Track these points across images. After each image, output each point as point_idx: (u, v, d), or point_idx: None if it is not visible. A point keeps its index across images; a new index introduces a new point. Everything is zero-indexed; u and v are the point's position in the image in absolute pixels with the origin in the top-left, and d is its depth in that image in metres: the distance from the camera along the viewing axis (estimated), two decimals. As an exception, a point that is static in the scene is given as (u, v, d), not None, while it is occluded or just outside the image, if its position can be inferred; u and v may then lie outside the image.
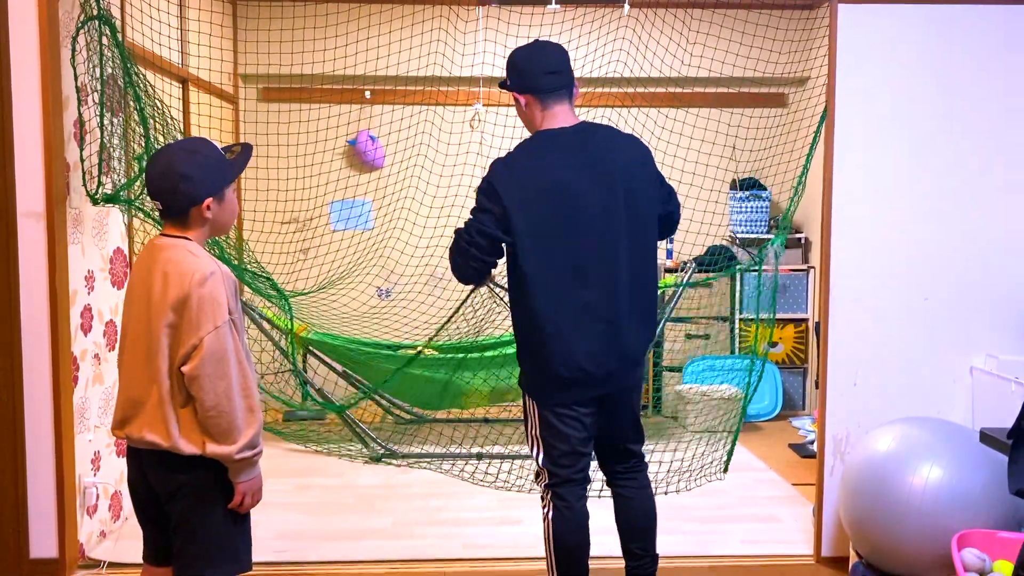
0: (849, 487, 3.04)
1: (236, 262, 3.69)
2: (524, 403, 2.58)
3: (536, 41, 2.59)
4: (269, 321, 4.68)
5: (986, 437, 2.21)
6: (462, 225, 2.50)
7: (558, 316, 2.42)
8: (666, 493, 3.96)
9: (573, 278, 2.42)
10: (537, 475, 2.61)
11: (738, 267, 5.15)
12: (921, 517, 2.81)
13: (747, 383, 4.17)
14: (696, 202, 5.20)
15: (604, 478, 2.82)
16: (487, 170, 2.49)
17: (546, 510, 2.57)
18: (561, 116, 2.51)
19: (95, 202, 3.21)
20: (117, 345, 2.41)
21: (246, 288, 4.21)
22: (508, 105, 5.61)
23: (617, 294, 2.45)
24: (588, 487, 2.65)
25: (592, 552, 3.40)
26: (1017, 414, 1.99)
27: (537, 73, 2.50)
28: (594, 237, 2.43)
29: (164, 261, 2.06)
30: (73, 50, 3.15)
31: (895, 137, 3.21)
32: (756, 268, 4.32)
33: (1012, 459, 2.02)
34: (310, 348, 4.70)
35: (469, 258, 2.45)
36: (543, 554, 3.35)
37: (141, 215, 3.26)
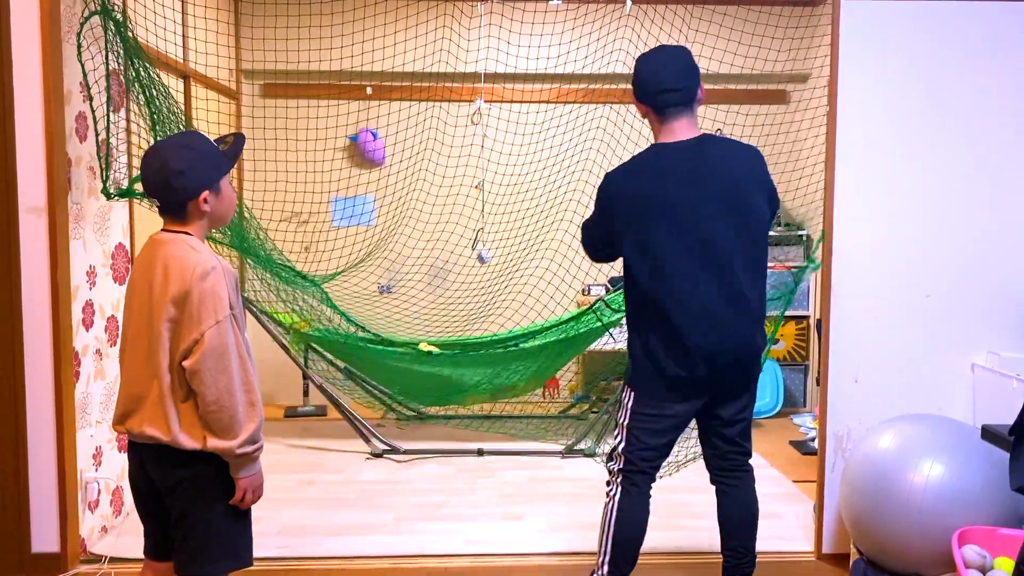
0: (850, 484, 3.04)
1: (265, 254, 3.68)
2: (621, 392, 2.72)
3: (662, 51, 2.62)
4: (271, 317, 4.68)
5: (987, 434, 2.21)
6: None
7: (664, 317, 2.51)
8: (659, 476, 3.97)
9: (678, 283, 2.50)
10: (610, 457, 2.73)
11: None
12: (922, 514, 2.81)
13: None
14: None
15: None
16: (605, 180, 2.63)
17: (612, 491, 2.69)
18: (679, 131, 2.57)
19: (109, 197, 3.21)
20: (119, 341, 2.42)
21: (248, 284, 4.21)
22: (510, 101, 5.61)
23: (720, 300, 2.52)
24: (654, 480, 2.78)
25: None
26: (1019, 411, 1.98)
27: (656, 91, 2.55)
28: (697, 246, 2.50)
29: (165, 256, 2.06)
30: (79, 46, 3.15)
31: (897, 134, 3.21)
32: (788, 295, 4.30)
33: (1014, 456, 2.02)
34: (311, 345, 4.70)
35: (587, 248, 2.77)
36: (544, 550, 3.37)
37: (148, 204, 3.26)
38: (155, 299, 2.04)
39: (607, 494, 2.73)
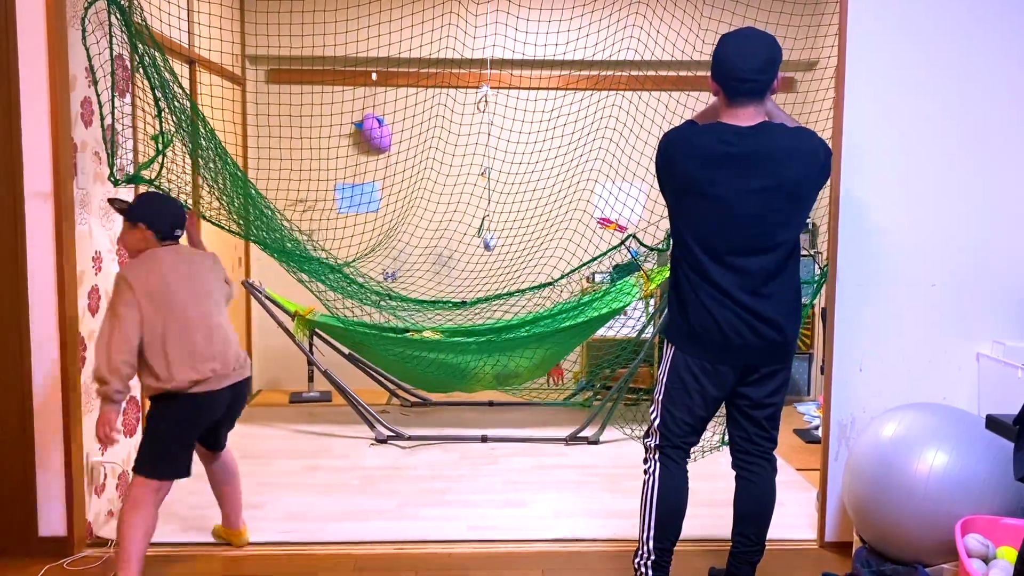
0: (854, 472, 3.04)
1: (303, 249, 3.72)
2: (658, 365, 2.82)
3: (748, 39, 2.58)
4: (276, 303, 4.69)
5: (992, 423, 2.21)
6: None
7: (700, 286, 2.61)
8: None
9: (713, 258, 2.58)
10: (647, 434, 2.79)
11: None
12: (925, 503, 2.81)
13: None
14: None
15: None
16: (664, 140, 2.67)
17: (650, 467, 2.75)
18: (742, 116, 2.58)
19: (116, 183, 3.22)
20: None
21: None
22: (517, 88, 5.58)
23: (756, 280, 2.59)
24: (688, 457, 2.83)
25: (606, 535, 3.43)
26: None
27: (732, 78, 2.56)
28: (734, 225, 2.56)
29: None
30: (84, 30, 3.15)
31: (905, 122, 3.19)
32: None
33: (1018, 446, 2.01)
34: (316, 330, 4.71)
35: None
36: (547, 536, 3.39)
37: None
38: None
39: (645, 471, 2.77)
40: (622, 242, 4.88)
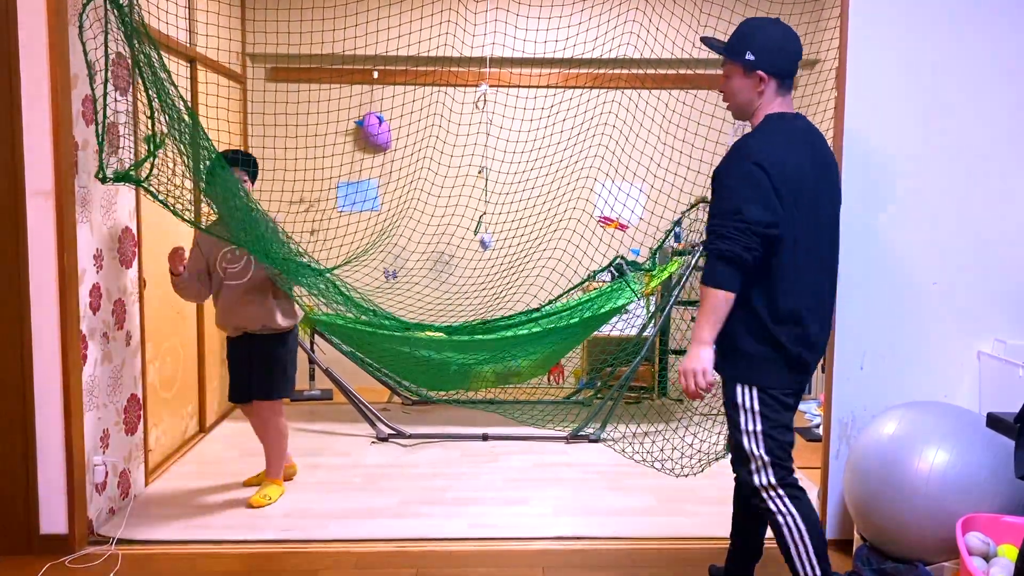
0: (854, 470, 3.04)
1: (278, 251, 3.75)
2: (736, 397, 2.47)
3: (781, 21, 2.50)
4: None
5: (993, 421, 2.21)
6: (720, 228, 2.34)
7: (803, 301, 2.43)
8: (677, 475, 3.98)
9: (814, 267, 2.45)
10: (753, 472, 2.48)
11: None
12: (926, 501, 2.82)
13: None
14: (705, 184, 5.17)
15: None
16: (742, 152, 2.38)
17: (782, 507, 2.48)
18: (788, 102, 2.49)
19: (104, 180, 3.21)
20: None
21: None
22: (514, 85, 5.58)
23: (830, 289, 2.55)
24: None
25: (599, 532, 3.43)
26: (1024, 399, 1.98)
27: (793, 59, 2.46)
28: (822, 226, 2.46)
29: None
30: (81, 27, 3.14)
31: (905, 119, 3.19)
32: None
33: (1019, 444, 2.02)
34: (317, 328, 4.71)
35: (742, 234, 2.32)
36: (548, 534, 3.38)
37: (149, 196, 3.27)
38: None
39: (774, 512, 2.48)
40: (610, 264, 4.90)
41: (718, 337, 2.41)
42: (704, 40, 2.59)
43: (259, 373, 3.70)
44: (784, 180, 2.34)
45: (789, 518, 2.47)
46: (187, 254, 3.65)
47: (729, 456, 3.75)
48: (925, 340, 3.25)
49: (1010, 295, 3.21)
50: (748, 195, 2.32)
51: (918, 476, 2.83)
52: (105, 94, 3.26)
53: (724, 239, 2.32)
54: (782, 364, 2.44)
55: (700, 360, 2.38)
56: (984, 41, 3.16)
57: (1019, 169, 3.19)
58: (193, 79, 4.58)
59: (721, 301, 2.34)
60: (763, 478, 2.48)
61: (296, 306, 3.83)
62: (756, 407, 2.45)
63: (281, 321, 3.67)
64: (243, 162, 3.63)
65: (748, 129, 2.54)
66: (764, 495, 2.49)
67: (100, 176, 3.21)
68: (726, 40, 2.56)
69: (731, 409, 2.50)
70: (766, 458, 2.46)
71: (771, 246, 2.35)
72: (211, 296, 3.74)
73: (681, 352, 5.63)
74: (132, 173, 3.27)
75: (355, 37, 5.17)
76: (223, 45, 4.94)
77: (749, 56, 2.44)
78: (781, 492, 2.48)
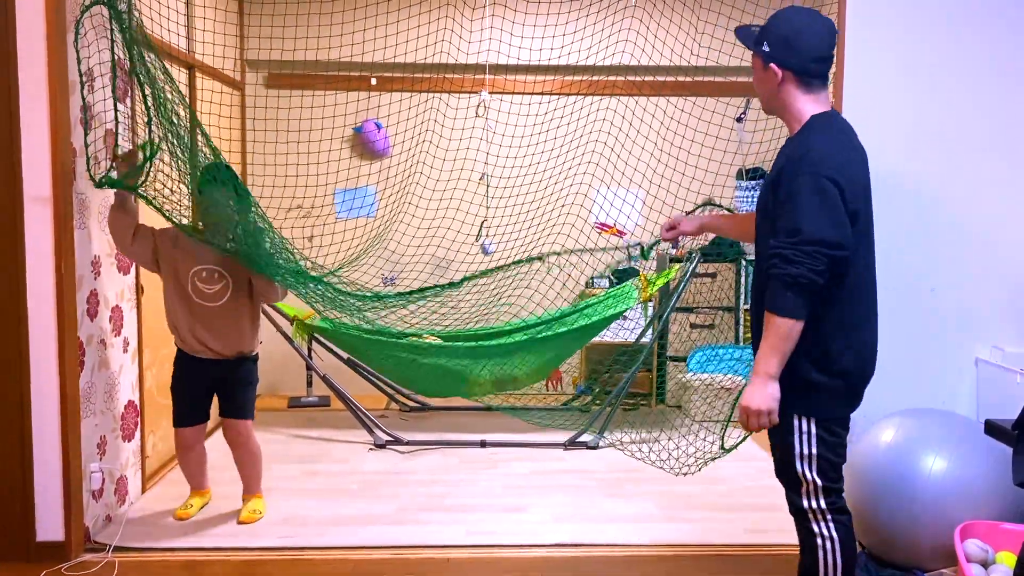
0: (853, 478, 3.04)
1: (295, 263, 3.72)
2: (792, 423, 2.31)
3: (817, 13, 2.30)
4: (275, 307, 4.69)
5: (991, 428, 2.21)
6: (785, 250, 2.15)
7: (866, 322, 2.33)
8: (677, 474, 3.97)
9: (873, 287, 2.34)
10: (804, 495, 2.36)
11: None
12: (924, 508, 2.82)
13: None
14: (701, 190, 5.18)
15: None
16: (813, 163, 2.17)
17: (826, 530, 2.36)
18: (821, 99, 2.30)
19: (98, 186, 3.21)
20: None
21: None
22: (514, 92, 5.59)
23: (874, 296, 2.39)
24: None
25: (598, 539, 3.42)
26: (1023, 405, 1.98)
27: (809, 56, 2.25)
28: (872, 242, 2.34)
29: None
30: (77, 33, 3.15)
31: (902, 124, 3.20)
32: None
33: (1017, 450, 2.02)
34: (315, 335, 4.71)
35: (821, 257, 2.14)
36: (547, 542, 3.38)
37: (143, 202, 3.27)
38: None
39: (816, 534, 2.36)
40: (631, 247, 4.89)
41: None
42: (736, 30, 2.41)
43: (233, 394, 3.58)
44: (855, 196, 2.20)
45: (829, 542, 2.35)
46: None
47: (723, 456, 3.75)
48: (923, 346, 3.25)
49: (1008, 301, 3.22)
50: (819, 213, 2.13)
51: (916, 483, 2.84)
52: (115, 99, 3.27)
53: (792, 263, 2.13)
54: (843, 393, 2.32)
55: (767, 399, 2.21)
56: (982, 45, 3.17)
57: (1018, 174, 3.20)
58: (192, 86, 4.58)
59: (790, 331, 2.15)
60: (813, 502, 2.35)
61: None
62: (814, 431, 2.30)
63: (254, 344, 3.61)
64: (224, 178, 3.34)
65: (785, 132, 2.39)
66: (811, 517, 2.37)
67: (93, 180, 3.21)
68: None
69: (785, 433, 2.33)
70: (819, 482, 2.32)
71: (838, 267, 2.18)
72: (170, 307, 3.46)
73: (680, 359, 5.64)
74: (124, 180, 3.26)
75: (352, 44, 5.17)
76: (222, 52, 4.94)
77: (765, 48, 2.29)
78: (829, 517, 2.35)
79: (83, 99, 3.22)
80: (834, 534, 2.34)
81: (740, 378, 5.27)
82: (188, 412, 3.56)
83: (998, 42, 3.18)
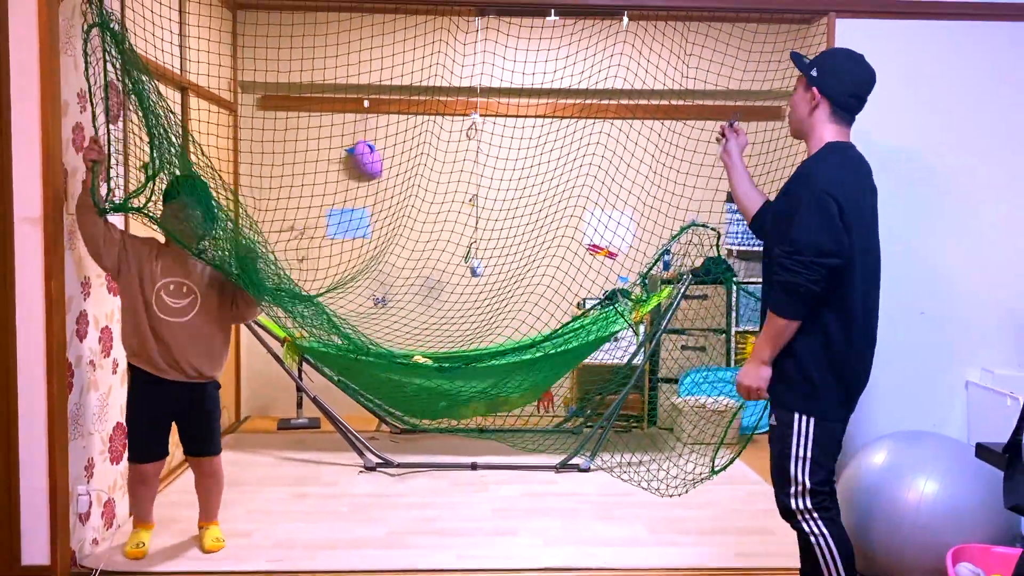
0: (844, 500, 3.03)
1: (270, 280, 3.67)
2: (792, 424, 2.54)
3: (866, 63, 2.57)
4: (265, 329, 4.67)
5: (982, 451, 2.21)
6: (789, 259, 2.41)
7: (867, 332, 2.54)
8: (663, 495, 3.95)
9: (875, 298, 2.57)
10: (793, 495, 2.57)
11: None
12: (916, 531, 2.82)
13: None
14: (690, 212, 5.20)
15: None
16: (813, 179, 2.45)
17: (816, 528, 2.57)
18: (843, 133, 2.56)
19: (102, 212, 3.18)
20: None
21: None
22: (505, 115, 5.62)
23: (876, 315, 2.61)
24: None
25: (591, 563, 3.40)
26: (1013, 429, 1.99)
27: (851, 92, 2.52)
28: (877, 258, 2.59)
29: None
30: (86, 54, 3.14)
31: (891, 150, 3.22)
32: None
33: (1007, 474, 2.02)
34: (306, 356, 4.69)
35: (813, 264, 2.39)
36: (538, 566, 3.35)
37: (146, 220, 3.27)
38: None
39: (807, 533, 2.58)
40: (605, 298, 4.91)
41: (783, 363, 2.52)
42: (792, 54, 2.65)
43: (199, 427, 3.42)
44: (854, 212, 2.43)
45: (822, 539, 2.55)
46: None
47: (713, 478, 3.75)
48: (913, 369, 3.27)
49: (997, 325, 3.24)
50: (816, 227, 2.38)
51: (908, 506, 2.83)
52: (107, 123, 3.26)
53: (788, 271, 2.40)
54: (843, 395, 2.54)
55: (759, 378, 2.55)
56: (971, 71, 3.21)
57: (1007, 199, 3.23)
58: (184, 107, 4.59)
59: (784, 328, 2.46)
60: (800, 502, 2.56)
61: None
62: (811, 434, 2.52)
63: (220, 367, 3.44)
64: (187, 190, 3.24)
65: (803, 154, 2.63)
66: (799, 517, 2.58)
67: (95, 204, 3.18)
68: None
69: (784, 432, 2.56)
70: (808, 484, 2.53)
71: (839, 276, 2.43)
72: (130, 320, 3.28)
73: (671, 380, 5.64)
74: (130, 202, 3.26)
75: (348, 65, 5.20)
76: (214, 73, 4.95)
77: (813, 72, 2.53)
78: (816, 515, 2.55)
79: (93, 119, 3.21)
80: (824, 530, 2.54)
81: (732, 400, 5.27)
82: (150, 445, 3.36)
83: (988, 72, 3.21)
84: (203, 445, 3.46)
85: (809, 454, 2.52)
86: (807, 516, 2.56)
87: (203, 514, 3.60)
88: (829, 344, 2.48)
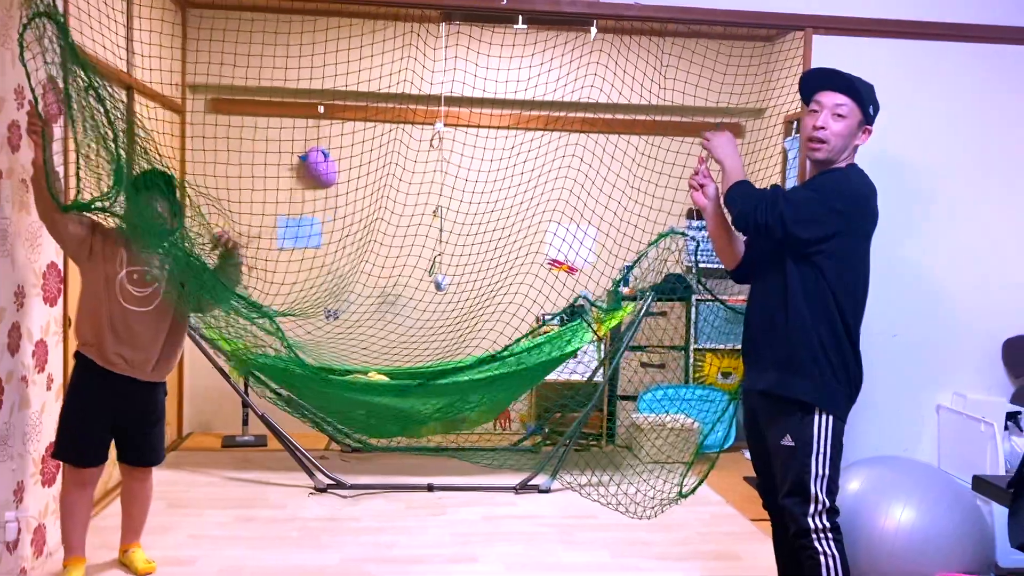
0: (819, 528, 2.96)
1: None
2: (812, 427, 2.52)
3: None
4: (210, 342, 4.44)
5: (981, 484, 2.15)
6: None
7: (856, 333, 2.60)
8: (632, 518, 3.83)
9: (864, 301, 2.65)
10: (811, 514, 2.51)
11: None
12: (892, 560, 2.76)
13: (720, 420, 4.11)
14: (654, 229, 5.14)
15: None
16: (857, 179, 2.60)
17: (831, 546, 2.50)
18: None
19: (65, 210, 2.98)
20: None
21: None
22: (473, 126, 5.48)
23: None
24: None
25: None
26: (1019, 463, 1.92)
27: None
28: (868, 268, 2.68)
29: None
30: (21, 47, 2.92)
31: (865, 168, 3.17)
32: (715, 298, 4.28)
33: (1013, 510, 1.95)
34: (253, 371, 4.46)
35: (797, 221, 2.49)
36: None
37: (114, 220, 3.11)
38: None
39: (820, 552, 2.50)
40: (571, 305, 4.82)
41: (798, 353, 2.53)
42: (833, 72, 2.64)
43: (142, 432, 3.21)
44: (872, 219, 2.59)
45: (831, 560, 2.49)
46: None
47: (680, 501, 3.66)
48: (884, 392, 3.22)
49: (970, 348, 3.22)
50: (807, 200, 2.52)
51: (884, 535, 2.77)
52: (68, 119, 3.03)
53: (758, 212, 2.49)
54: (851, 391, 2.58)
55: (731, 142, 2.67)
56: (944, 91, 3.19)
57: (979, 219, 3.21)
58: (129, 107, 4.36)
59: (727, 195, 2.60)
60: (819, 521, 2.49)
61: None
62: (830, 441, 2.49)
63: (170, 369, 3.28)
64: (165, 188, 3.11)
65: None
66: (814, 536, 2.50)
67: (58, 202, 2.97)
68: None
69: (804, 445, 2.51)
70: (827, 502, 2.49)
71: (846, 260, 2.53)
72: (86, 305, 3.14)
73: (630, 398, 5.55)
74: (93, 202, 3.06)
75: (300, 68, 5.02)
76: (162, 74, 4.73)
77: (871, 111, 2.62)
78: (831, 535, 2.49)
79: (39, 115, 2.99)
80: (835, 551, 2.48)
81: (691, 419, 5.20)
82: (89, 446, 3.11)
83: (961, 93, 3.20)
84: (146, 454, 3.26)
85: (827, 470, 2.49)
86: (824, 535, 2.49)
87: (130, 534, 3.38)
88: (845, 327, 2.54)
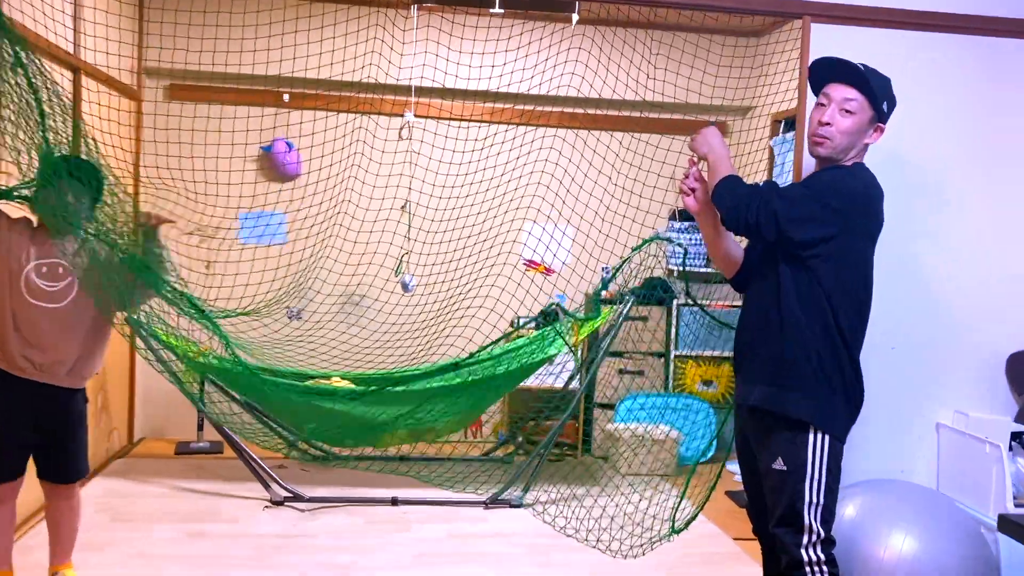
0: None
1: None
2: (807, 449, 2.33)
3: None
4: (162, 343, 4.13)
5: (1008, 525, 1.93)
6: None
7: (856, 345, 2.42)
8: (615, 555, 3.56)
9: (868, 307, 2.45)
10: (815, 544, 2.33)
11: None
12: (891, 592, 2.54)
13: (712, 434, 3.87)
14: (635, 229, 4.92)
15: None
16: (861, 178, 2.40)
17: None
18: None
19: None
20: None
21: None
22: (440, 117, 5.22)
23: None
24: None
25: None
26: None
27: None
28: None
29: None
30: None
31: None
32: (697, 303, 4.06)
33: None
34: (208, 376, 4.18)
35: (792, 221, 2.31)
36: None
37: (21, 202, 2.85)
38: None
39: None
40: (543, 312, 4.60)
41: (785, 364, 2.35)
42: (845, 63, 2.42)
43: (62, 445, 2.92)
44: (877, 223, 2.41)
45: None
46: None
47: (672, 538, 3.41)
48: (882, 409, 3.01)
49: (973, 363, 3.02)
50: (803, 197, 2.33)
51: (884, 567, 2.56)
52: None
53: (749, 211, 2.31)
54: (851, 408, 2.40)
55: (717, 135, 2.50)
56: (943, 84, 3.01)
57: (980, 232, 3.02)
58: (76, 91, 4.06)
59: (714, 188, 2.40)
60: (813, 553, 2.32)
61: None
62: (826, 465, 2.32)
63: (91, 371, 2.97)
64: (76, 172, 2.81)
65: None
66: (808, 569, 2.33)
67: None
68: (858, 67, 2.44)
69: (797, 468, 2.32)
70: (822, 533, 2.31)
71: (845, 263, 2.34)
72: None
73: (608, 406, 5.32)
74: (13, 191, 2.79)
75: (263, 52, 4.74)
76: (115, 57, 4.43)
77: (885, 108, 2.42)
78: (825, 568, 2.32)
79: None
80: None
81: (670, 429, 4.99)
82: (10, 459, 2.84)
83: (960, 86, 3.01)
84: (66, 469, 2.94)
85: (822, 499, 2.30)
86: (818, 568, 2.31)
87: (60, 554, 3.07)
88: (842, 337, 2.35)
